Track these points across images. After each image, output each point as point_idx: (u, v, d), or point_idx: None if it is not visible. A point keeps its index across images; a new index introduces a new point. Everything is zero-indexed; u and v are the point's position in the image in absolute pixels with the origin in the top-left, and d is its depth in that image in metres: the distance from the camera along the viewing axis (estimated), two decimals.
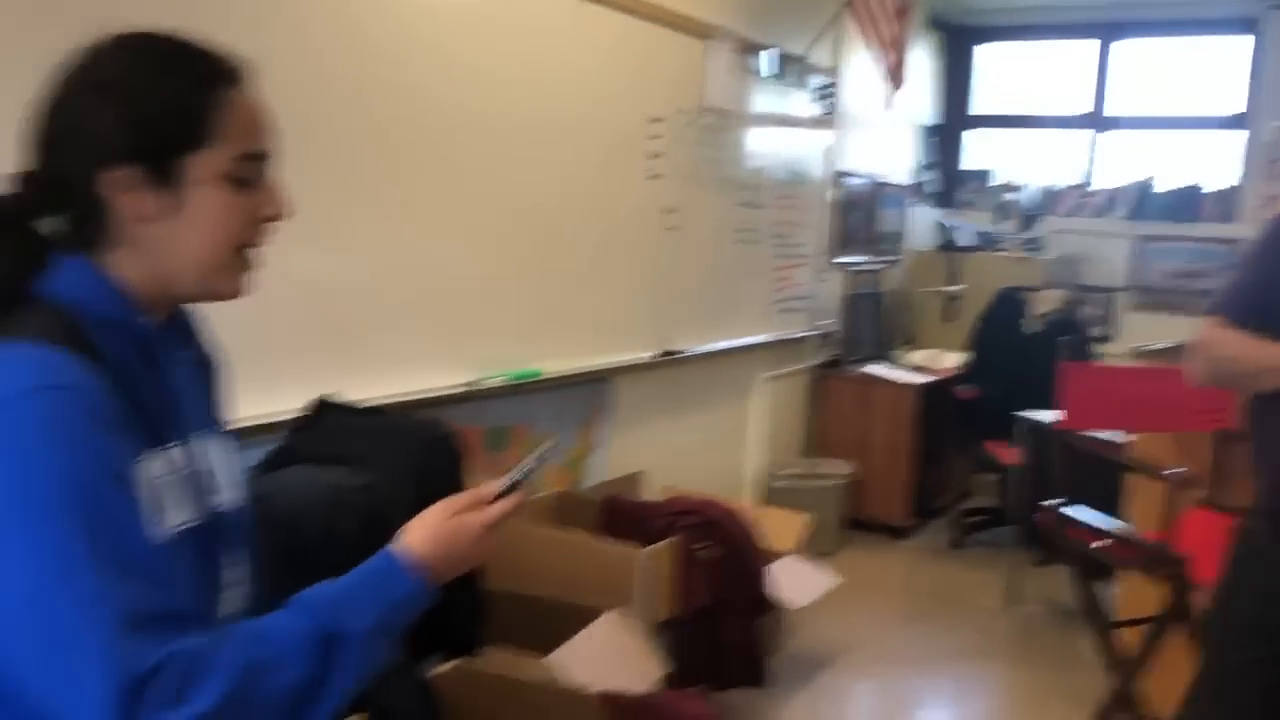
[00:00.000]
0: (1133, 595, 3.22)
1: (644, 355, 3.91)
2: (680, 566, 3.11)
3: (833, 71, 5.01)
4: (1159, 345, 3.04)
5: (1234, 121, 5.73)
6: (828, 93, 4.99)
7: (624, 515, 3.40)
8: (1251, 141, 5.72)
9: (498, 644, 2.54)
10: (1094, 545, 2.49)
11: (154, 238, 1.01)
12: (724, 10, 4.16)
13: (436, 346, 3.00)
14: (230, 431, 1.21)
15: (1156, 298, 5.94)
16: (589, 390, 3.70)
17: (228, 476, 1.14)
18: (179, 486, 1.02)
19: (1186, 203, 5.89)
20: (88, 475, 0.90)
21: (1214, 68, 5.90)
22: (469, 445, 2.49)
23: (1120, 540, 2.49)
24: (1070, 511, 2.52)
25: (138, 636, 0.87)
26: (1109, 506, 2.94)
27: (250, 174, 1.04)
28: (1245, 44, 5.74)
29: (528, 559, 2.96)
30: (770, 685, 3.33)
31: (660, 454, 4.09)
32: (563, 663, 2.49)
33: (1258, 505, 1.97)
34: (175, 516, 1.00)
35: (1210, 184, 5.85)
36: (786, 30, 4.62)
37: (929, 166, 6.40)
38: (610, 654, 2.64)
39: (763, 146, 4.57)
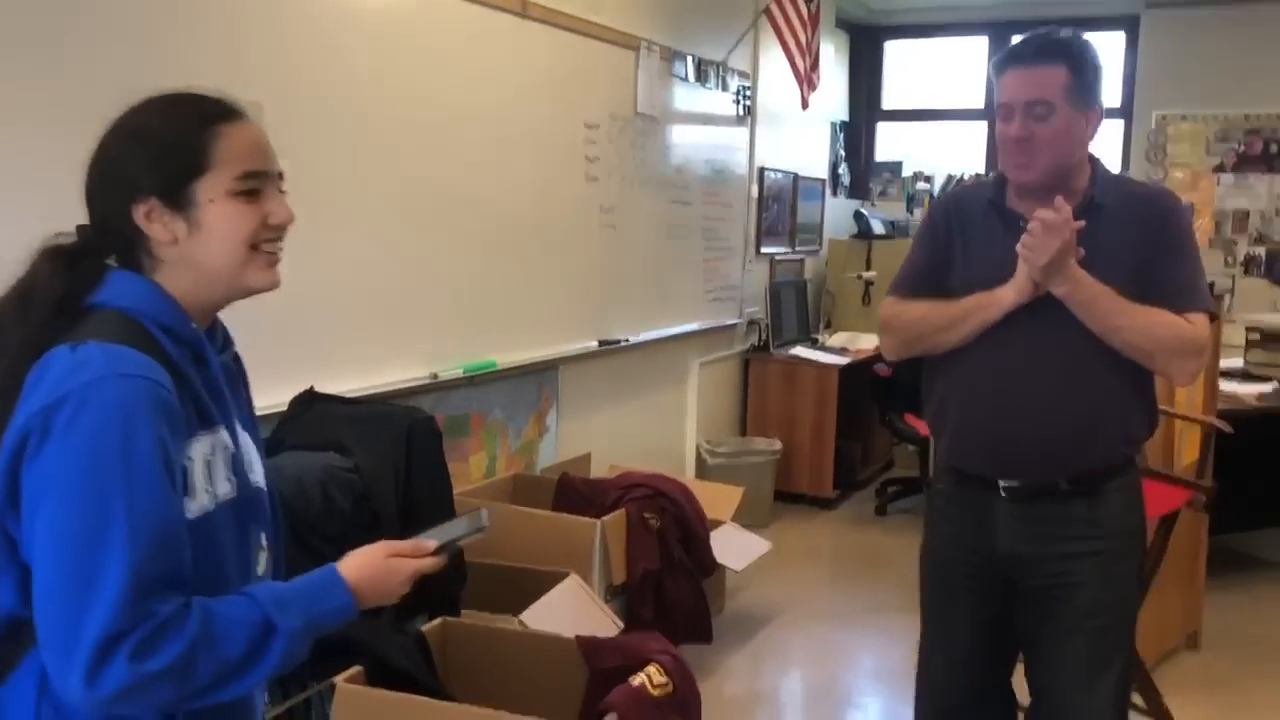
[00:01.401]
0: None
1: (587, 345, 4.21)
2: (632, 535, 3.41)
3: (750, 74, 5.35)
4: None
5: (1116, 112, 6.22)
6: (746, 94, 5.32)
7: (576, 492, 3.69)
8: (1134, 129, 6.20)
9: (471, 608, 2.82)
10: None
11: (186, 255, 1.22)
12: (650, 22, 4.47)
13: (397, 343, 3.25)
14: (256, 422, 1.40)
15: None
16: (538, 379, 3.98)
17: (256, 460, 1.34)
18: (225, 465, 1.23)
19: None
20: (143, 454, 1.11)
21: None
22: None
23: None
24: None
25: (137, 597, 1.08)
26: None
27: (252, 188, 1.23)
28: (1121, 40, 6.24)
29: (495, 533, 3.22)
30: (716, 641, 3.65)
31: (605, 436, 4.39)
32: (532, 620, 2.78)
33: (939, 463, 2.24)
34: (221, 489, 1.22)
35: None
36: (707, 38, 4.94)
37: (843, 159, 6.78)
38: (573, 613, 2.93)
39: (690, 147, 4.89)
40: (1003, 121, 2.05)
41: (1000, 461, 2.10)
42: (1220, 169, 6.02)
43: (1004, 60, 2.08)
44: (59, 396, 1.10)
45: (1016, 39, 2.17)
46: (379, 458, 2.52)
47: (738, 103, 5.27)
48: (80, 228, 1.25)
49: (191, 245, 1.22)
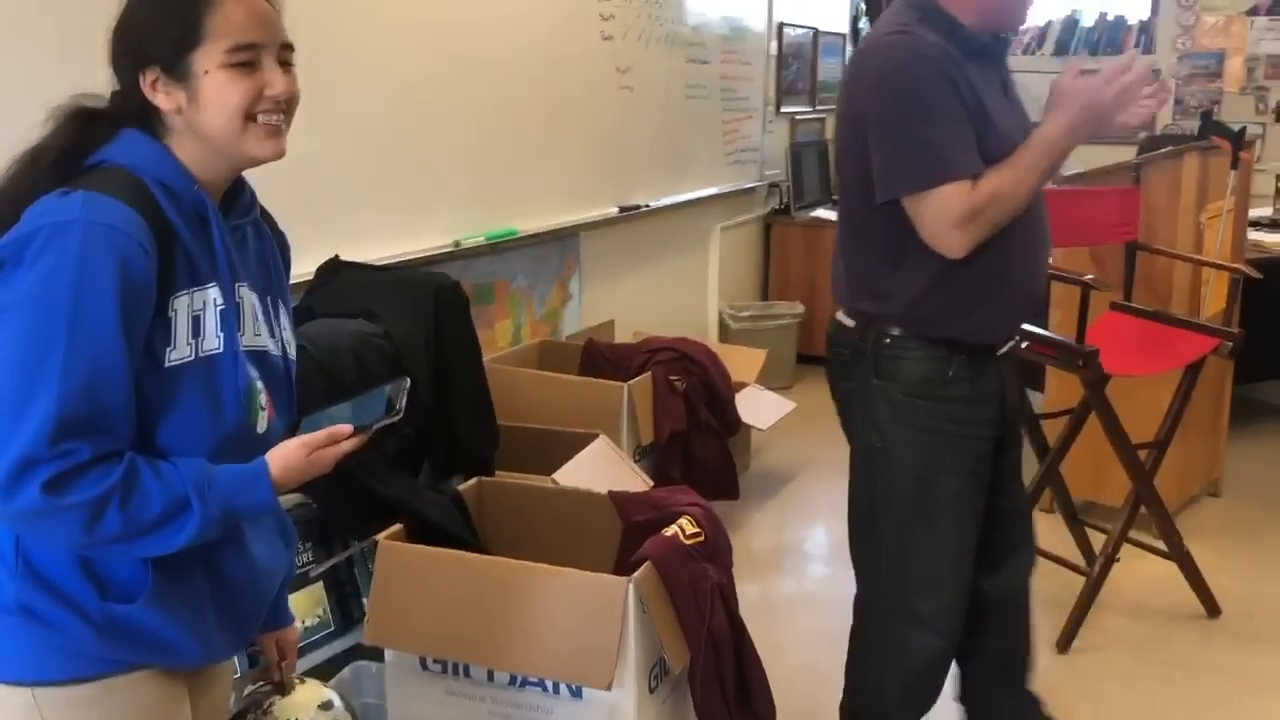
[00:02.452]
0: (1058, 393, 3.63)
1: (607, 211, 4.18)
2: (659, 397, 3.45)
3: None
4: (1072, 170, 3.36)
5: None
6: None
7: (602, 357, 3.72)
8: None
9: (504, 469, 2.88)
10: (1023, 345, 2.85)
11: (190, 122, 1.26)
12: None
13: (420, 212, 3.25)
14: (283, 295, 1.44)
15: None
16: (560, 246, 3.97)
17: (271, 328, 1.38)
18: (215, 321, 1.27)
19: (1109, 35, 6.17)
20: (94, 299, 1.15)
21: None
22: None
23: (1042, 340, 2.85)
24: None
25: (58, 431, 1.13)
26: (1037, 320, 3.30)
27: (245, 60, 1.25)
28: None
29: (524, 398, 3.28)
30: (743, 497, 3.73)
31: (628, 302, 4.40)
32: (565, 479, 2.83)
33: (945, 342, 2.02)
34: (208, 344, 1.26)
35: (1131, 15, 6.12)
36: None
37: (866, 13, 6.59)
38: (603, 472, 2.99)
39: (707, 2, 4.75)
40: None
41: (1033, 314, 2.15)
42: (1254, 11, 5.82)
43: None
44: (31, 230, 1.17)
45: None
46: (408, 323, 2.54)
47: None
48: (113, 94, 1.29)
49: (192, 115, 1.26)
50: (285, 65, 1.30)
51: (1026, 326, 2.92)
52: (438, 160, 3.28)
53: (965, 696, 2.42)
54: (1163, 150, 3.46)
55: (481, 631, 2.17)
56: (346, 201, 2.97)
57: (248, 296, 1.34)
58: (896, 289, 2.01)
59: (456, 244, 3.36)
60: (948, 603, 2.14)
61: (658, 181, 4.52)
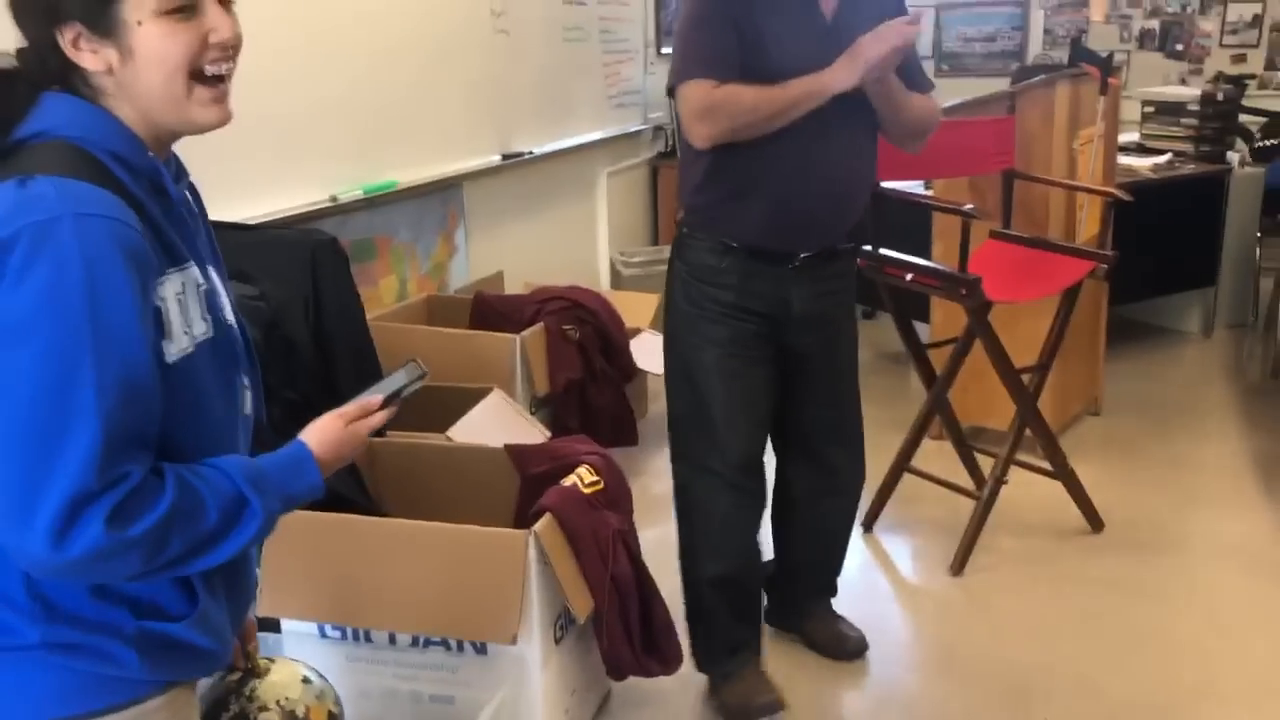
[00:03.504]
0: (944, 322, 3.70)
1: (490, 160, 4.09)
2: (552, 347, 3.41)
3: None
4: (953, 103, 3.40)
5: None
6: None
7: (492, 310, 3.65)
8: None
9: (396, 429, 2.81)
10: (908, 277, 2.88)
11: (124, 84, 1.10)
12: None
13: (293, 166, 3.12)
14: (219, 257, 1.31)
15: (957, 62, 6.36)
16: (442, 198, 3.87)
17: (225, 297, 1.25)
18: (199, 303, 1.15)
19: None
20: (111, 300, 1.02)
21: None
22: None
23: (926, 271, 2.89)
24: (885, 252, 2.89)
25: (109, 455, 1.01)
26: (921, 253, 3.35)
27: (184, 3, 1.10)
28: None
29: (411, 354, 3.20)
30: (641, 443, 3.72)
31: (517, 253, 4.33)
32: (459, 435, 2.79)
33: (720, 238, 2.31)
34: (198, 329, 1.14)
35: None
36: None
37: None
38: (499, 426, 2.95)
39: None
40: None
41: (812, 234, 2.30)
42: None
43: None
44: (7, 236, 1.00)
45: None
46: (285, 284, 2.44)
47: None
48: (20, 51, 1.12)
49: (128, 74, 1.10)
50: (225, 3, 1.15)
51: (908, 258, 2.97)
52: (309, 112, 3.15)
53: (772, 605, 2.69)
54: (1035, 79, 3.51)
55: (380, 595, 2.13)
56: (213, 157, 2.79)
57: (210, 270, 1.22)
58: (685, 187, 2.36)
59: (333, 199, 3.24)
60: (733, 460, 2.38)
61: (541, 128, 4.44)
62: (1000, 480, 3.08)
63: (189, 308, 1.13)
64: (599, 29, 4.88)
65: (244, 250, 2.53)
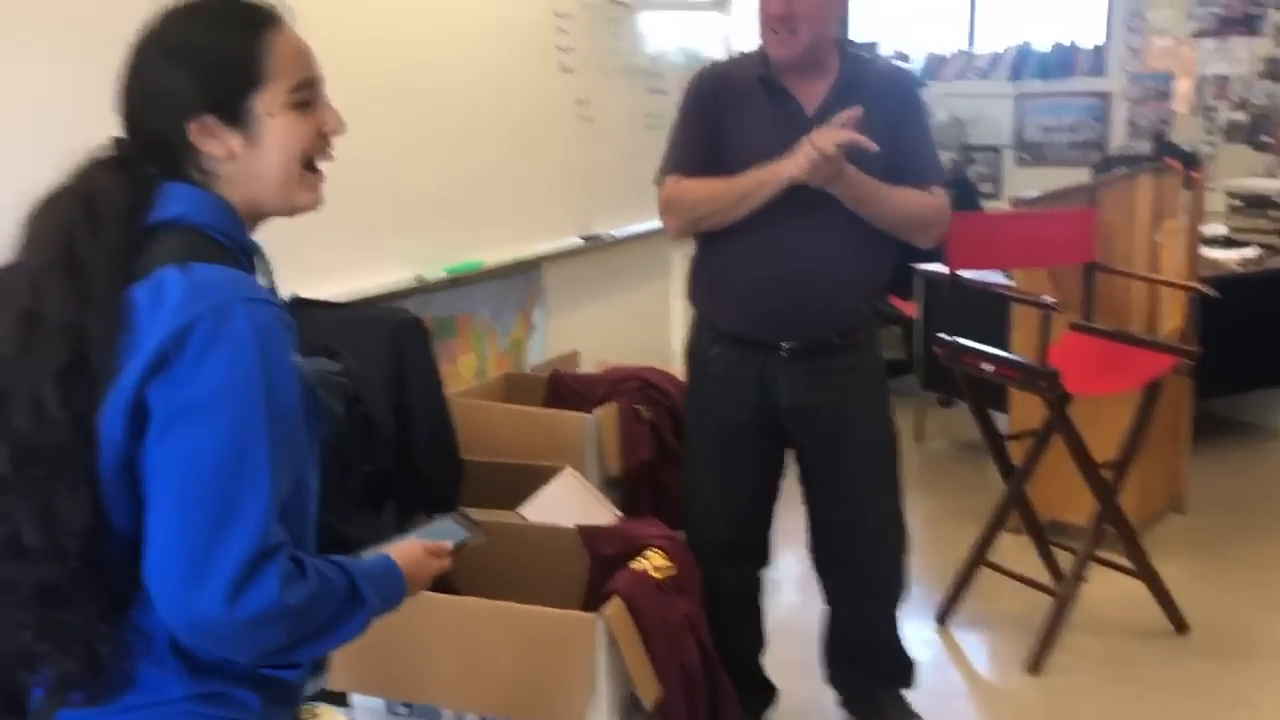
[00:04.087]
0: (1022, 414, 3.65)
1: (570, 241, 4.17)
2: (625, 427, 3.43)
3: None
4: (1031, 194, 3.40)
5: None
6: None
7: (568, 388, 3.69)
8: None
9: (469, 504, 2.84)
10: (984, 368, 2.86)
11: (241, 170, 1.19)
12: None
13: (380, 247, 3.22)
14: None
15: (1038, 152, 6.34)
16: (523, 277, 3.96)
17: None
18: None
19: (1062, 60, 6.26)
20: (279, 378, 1.11)
21: None
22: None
23: (1005, 362, 2.87)
24: (963, 341, 2.88)
25: (273, 520, 1.08)
26: (998, 342, 3.33)
27: (306, 98, 1.21)
28: None
29: (488, 431, 3.25)
30: None
31: (592, 332, 4.39)
32: (531, 513, 2.80)
33: (709, 331, 2.42)
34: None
35: (1083, 41, 6.22)
36: None
37: None
38: (571, 505, 2.96)
39: (665, 34, 4.78)
40: None
41: (785, 326, 2.31)
42: (1201, 34, 5.93)
43: None
44: (188, 321, 1.07)
45: None
46: (368, 360, 2.51)
47: None
48: (118, 140, 1.20)
49: (248, 160, 1.19)
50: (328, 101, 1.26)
51: (986, 348, 2.95)
52: (397, 194, 3.26)
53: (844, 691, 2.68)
54: (1117, 172, 3.50)
55: (449, 673, 2.14)
56: (306, 238, 2.90)
57: None
58: (689, 275, 2.47)
59: (418, 278, 3.33)
60: (711, 542, 2.46)
61: (619, 211, 4.52)
62: (1080, 577, 3.01)
63: None
64: None
65: (330, 327, 2.62)
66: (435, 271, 3.41)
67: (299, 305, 2.65)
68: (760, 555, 2.59)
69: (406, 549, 1.31)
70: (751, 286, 2.30)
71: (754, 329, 2.34)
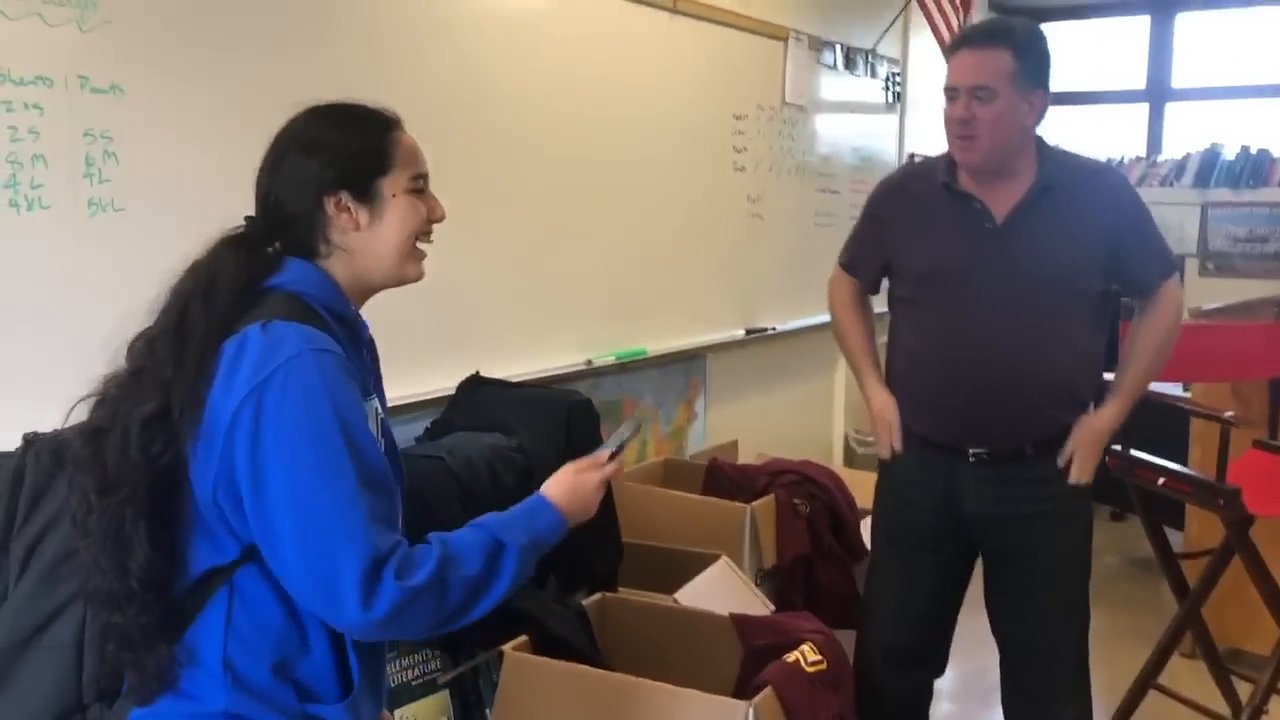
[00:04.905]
0: (1199, 532, 3.49)
1: (734, 333, 4.26)
2: (782, 520, 3.45)
3: (899, 60, 5.29)
4: (1215, 305, 3.30)
5: None
6: (895, 80, 5.28)
7: (725, 477, 3.74)
8: None
9: (627, 586, 2.91)
10: (1160, 482, 2.78)
11: (361, 241, 1.38)
12: (799, 12, 4.48)
13: (554, 331, 3.37)
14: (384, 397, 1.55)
15: (1224, 262, 6.11)
16: (687, 366, 4.05)
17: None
18: (376, 426, 1.38)
19: (1254, 168, 6.05)
20: (349, 413, 1.27)
21: (1266, 36, 6.10)
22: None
23: (1181, 477, 2.77)
24: (1138, 454, 2.80)
25: (378, 528, 1.24)
26: (1177, 457, 3.21)
27: (421, 187, 1.42)
28: None
29: (647, 515, 3.32)
30: None
31: (753, 423, 4.43)
32: (686, 599, 2.85)
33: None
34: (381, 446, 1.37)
35: (1278, 150, 6.00)
36: (856, 25, 4.92)
37: None
38: (724, 593, 2.99)
39: (838, 135, 4.88)
40: (948, 102, 2.16)
41: (972, 432, 2.23)
42: None
43: (955, 44, 2.21)
44: (266, 375, 1.24)
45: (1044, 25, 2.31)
46: (541, 438, 2.62)
47: (887, 89, 5.23)
48: (249, 219, 1.40)
49: (370, 233, 1.38)
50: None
51: (1162, 462, 2.86)
52: (574, 282, 3.42)
53: None
54: None
55: None
56: (487, 320, 3.11)
57: (376, 402, 1.45)
58: None
59: (588, 363, 3.47)
60: (876, 646, 2.44)
61: (785, 305, 4.59)
62: (1261, 709, 2.83)
63: (374, 430, 1.36)
64: (849, 215, 5.03)
65: (508, 404, 2.76)
66: (605, 357, 3.54)
67: (480, 383, 2.81)
68: (934, 663, 2.49)
69: (554, 479, 1.44)
70: (935, 389, 2.26)
71: (939, 432, 2.28)
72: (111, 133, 2.17)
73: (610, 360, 3.57)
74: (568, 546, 2.69)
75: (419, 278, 1.44)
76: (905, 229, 2.31)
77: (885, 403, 2.38)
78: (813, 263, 4.79)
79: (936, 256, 2.24)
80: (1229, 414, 2.75)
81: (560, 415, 2.67)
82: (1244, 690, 2.99)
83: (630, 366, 3.70)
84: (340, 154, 1.37)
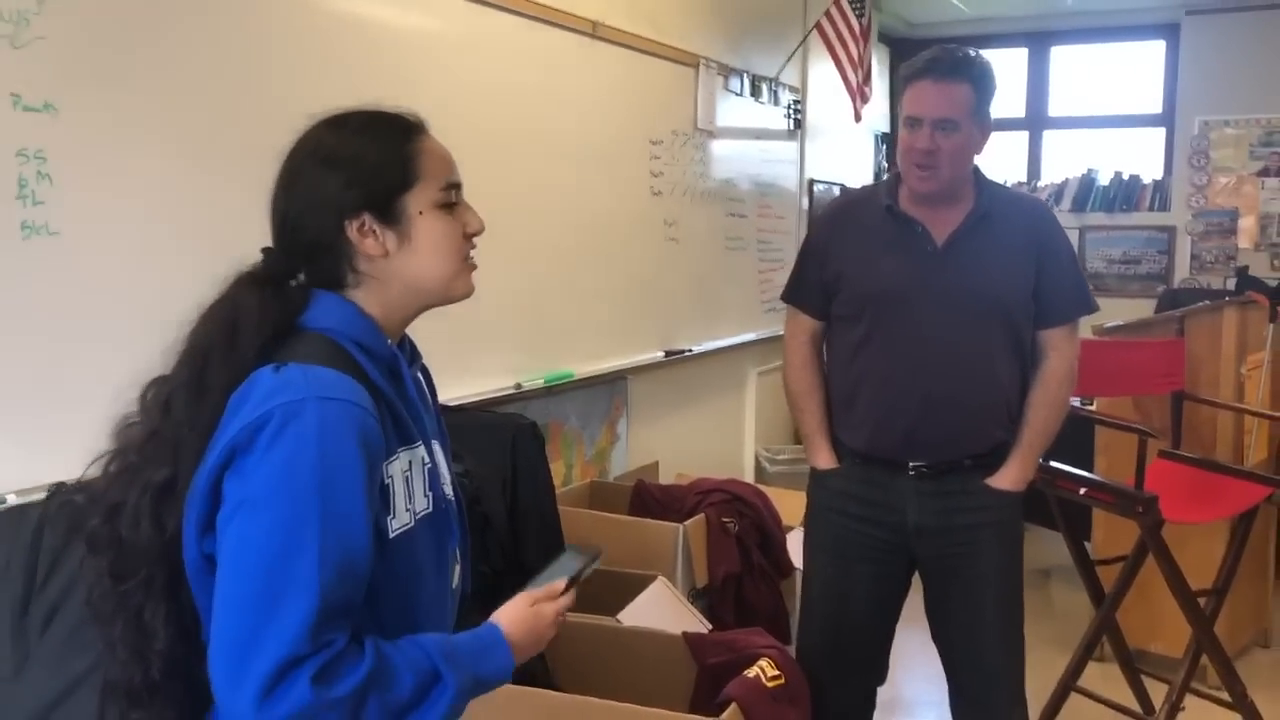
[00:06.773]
0: (1105, 540, 3.66)
1: (654, 355, 4.29)
2: (712, 539, 3.48)
3: (799, 89, 5.44)
4: (1114, 324, 3.48)
5: (1157, 120, 6.30)
6: (797, 108, 5.41)
7: (651, 497, 3.76)
8: (1176, 136, 6.26)
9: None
10: (1081, 491, 2.90)
11: (394, 268, 1.23)
12: (709, 41, 4.56)
13: (483, 355, 3.34)
14: (445, 433, 1.40)
15: (1100, 283, 6.44)
16: (609, 389, 4.06)
17: (446, 472, 1.33)
18: (423, 480, 1.23)
19: (1127, 193, 6.40)
20: (340, 478, 1.10)
21: (1135, 70, 6.49)
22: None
23: (1102, 486, 2.91)
24: (1058, 465, 2.93)
25: (320, 624, 1.07)
26: (1081, 466, 3.36)
27: (452, 199, 1.27)
28: (1161, 49, 6.32)
29: (577, 538, 3.31)
30: (794, 641, 3.70)
31: (671, 444, 4.47)
32: (629, 620, 2.85)
33: (841, 446, 2.45)
34: (419, 505, 1.22)
35: (1147, 176, 6.37)
36: (760, 54, 5.04)
37: (886, 170, 6.86)
38: (664, 613, 3.00)
39: (744, 160, 4.98)
40: (908, 130, 2.25)
41: (913, 447, 2.32)
42: (1264, 173, 6.06)
43: (918, 72, 2.28)
44: (261, 415, 1.11)
45: (924, 54, 2.37)
46: (488, 463, 2.60)
47: (788, 116, 5.36)
48: (266, 251, 1.26)
49: (401, 257, 1.24)
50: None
51: (1083, 473, 2.99)
52: (501, 305, 3.39)
53: None
54: (1202, 304, 3.58)
55: None
56: (418, 343, 3.06)
57: (435, 447, 1.31)
58: None
59: (518, 386, 3.45)
60: (814, 656, 2.47)
61: (699, 327, 4.65)
62: (1177, 707, 2.98)
63: (414, 485, 1.21)
64: (756, 239, 5.15)
65: (451, 429, 2.71)
66: (534, 379, 3.52)
67: None
68: (874, 671, 2.55)
69: (509, 609, 1.28)
70: (880, 407, 2.32)
71: (883, 449, 2.34)
72: (46, 153, 2.07)
73: (539, 383, 3.55)
74: (517, 572, 2.68)
75: (468, 293, 1.29)
76: (850, 252, 2.37)
77: (829, 465, 2.46)
78: (724, 285, 4.88)
79: (881, 278, 2.31)
80: (1146, 428, 2.90)
81: (506, 439, 2.65)
82: (1153, 689, 3.14)
83: (556, 389, 3.69)
84: (357, 171, 1.22)
